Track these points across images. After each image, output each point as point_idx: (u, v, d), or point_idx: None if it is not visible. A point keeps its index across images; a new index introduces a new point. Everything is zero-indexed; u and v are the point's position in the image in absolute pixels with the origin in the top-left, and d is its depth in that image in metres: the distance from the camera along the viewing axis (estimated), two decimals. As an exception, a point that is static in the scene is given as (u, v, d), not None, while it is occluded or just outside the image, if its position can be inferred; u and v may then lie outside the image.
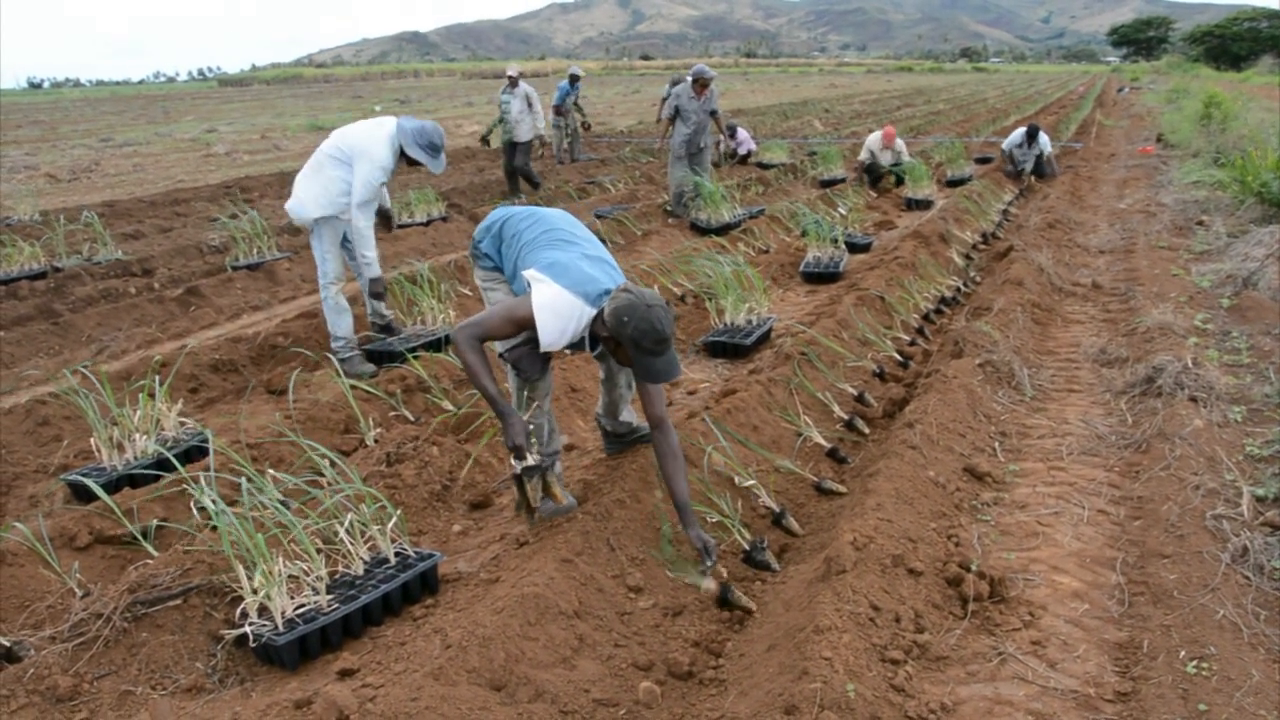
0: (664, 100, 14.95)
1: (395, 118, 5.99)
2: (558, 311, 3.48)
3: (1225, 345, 6.09)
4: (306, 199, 5.91)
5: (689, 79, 11.10)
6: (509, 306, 3.62)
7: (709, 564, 3.63)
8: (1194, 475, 4.06)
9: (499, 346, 3.97)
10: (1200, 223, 10.13)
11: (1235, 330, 6.35)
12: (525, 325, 3.53)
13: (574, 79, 17.24)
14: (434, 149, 5.89)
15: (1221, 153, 14.18)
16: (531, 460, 3.67)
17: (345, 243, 6.14)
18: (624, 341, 3.40)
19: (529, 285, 3.56)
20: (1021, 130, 13.84)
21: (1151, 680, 2.86)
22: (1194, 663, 2.88)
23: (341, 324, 6.16)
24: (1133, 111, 30.11)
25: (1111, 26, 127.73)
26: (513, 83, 13.55)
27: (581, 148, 18.46)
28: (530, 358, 3.77)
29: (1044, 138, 13.87)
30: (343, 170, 5.84)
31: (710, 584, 3.62)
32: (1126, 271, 8.27)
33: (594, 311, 3.54)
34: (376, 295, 6.22)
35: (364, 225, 5.87)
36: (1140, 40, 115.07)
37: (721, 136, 13.80)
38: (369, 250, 5.94)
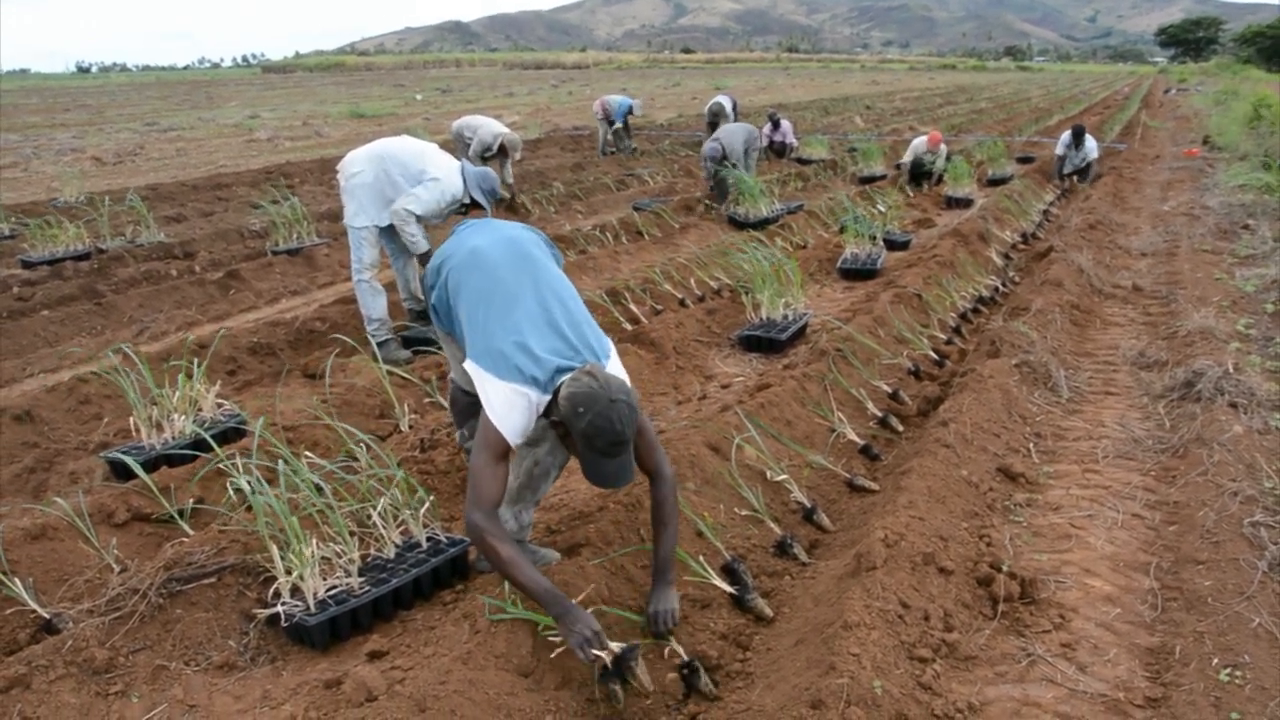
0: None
1: (459, 160, 6.16)
2: (513, 406, 2.95)
3: (1268, 351, 5.98)
4: (374, 212, 6.06)
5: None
6: (478, 448, 2.99)
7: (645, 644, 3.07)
8: (1232, 481, 4.01)
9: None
10: (1245, 227, 9.96)
11: (1279, 336, 6.25)
12: (505, 446, 2.97)
13: (631, 109, 17.85)
14: (494, 194, 6.10)
15: (1270, 156, 13.90)
16: (615, 646, 2.87)
17: (384, 236, 6.21)
18: (574, 433, 2.85)
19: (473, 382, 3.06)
20: (1068, 133, 13.64)
21: (1183, 687, 2.82)
22: (1227, 670, 2.85)
23: (376, 306, 6.22)
24: (1179, 113, 29.64)
25: (1159, 26, 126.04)
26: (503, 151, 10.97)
27: (627, 141, 18.46)
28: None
29: (1090, 141, 13.64)
30: (408, 184, 5.97)
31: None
32: (1168, 274, 8.16)
33: (547, 398, 2.97)
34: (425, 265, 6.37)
35: (414, 228, 5.97)
36: (1189, 41, 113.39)
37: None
38: (415, 233, 5.98)
